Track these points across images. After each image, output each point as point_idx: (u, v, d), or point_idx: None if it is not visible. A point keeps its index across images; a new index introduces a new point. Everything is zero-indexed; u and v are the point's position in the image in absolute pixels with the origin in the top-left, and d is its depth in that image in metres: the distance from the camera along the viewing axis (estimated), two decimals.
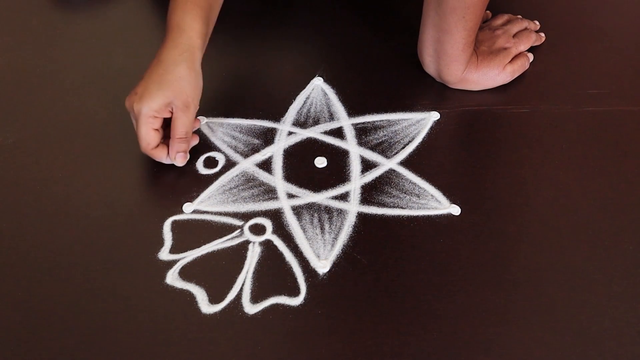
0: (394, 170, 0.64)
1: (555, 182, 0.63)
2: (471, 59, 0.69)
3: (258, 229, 0.60)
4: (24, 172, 0.65)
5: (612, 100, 0.70)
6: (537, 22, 0.78)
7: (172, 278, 0.56)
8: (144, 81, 0.61)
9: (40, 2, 0.85)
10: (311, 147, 0.67)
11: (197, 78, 0.62)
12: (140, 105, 0.59)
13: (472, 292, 0.55)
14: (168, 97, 0.60)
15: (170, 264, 0.57)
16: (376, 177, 0.64)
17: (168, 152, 0.62)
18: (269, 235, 0.59)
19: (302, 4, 0.84)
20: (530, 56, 0.74)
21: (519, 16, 0.77)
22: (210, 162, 0.65)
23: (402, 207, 0.61)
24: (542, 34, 0.77)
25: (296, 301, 0.54)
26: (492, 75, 0.70)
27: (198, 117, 0.68)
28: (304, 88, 0.72)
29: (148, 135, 0.61)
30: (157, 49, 0.62)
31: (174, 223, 0.60)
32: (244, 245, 0.58)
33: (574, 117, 0.69)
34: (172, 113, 0.61)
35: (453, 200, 0.61)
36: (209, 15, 0.65)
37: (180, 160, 0.63)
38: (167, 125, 0.63)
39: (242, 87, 0.73)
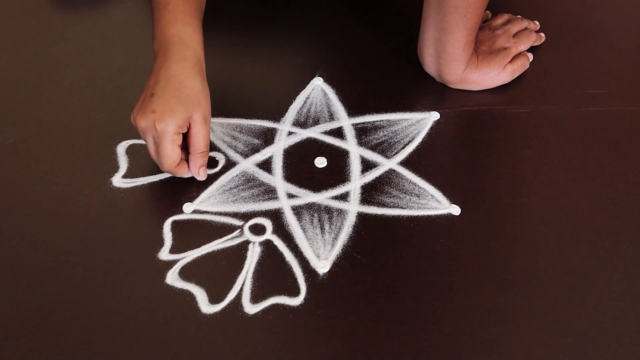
0: (394, 170, 0.64)
1: (555, 182, 0.63)
2: (471, 58, 0.69)
3: (258, 229, 0.60)
4: (24, 172, 0.65)
5: (612, 100, 0.70)
6: (537, 22, 0.78)
7: (172, 278, 0.56)
8: (158, 97, 0.57)
9: (40, 2, 0.85)
10: (311, 147, 0.67)
11: (208, 90, 0.61)
12: (164, 123, 0.57)
13: (472, 292, 0.55)
14: (189, 111, 0.58)
15: (170, 264, 0.57)
16: (376, 177, 0.64)
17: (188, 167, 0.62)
18: (269, 235, 0.59)
19: (301, 4, 0.84)
20: (530, 56, 0.74)
21: (519, 16, 0.77)
22: (210, 162, 0.65)
23: (402, 207, 0.61)
24: (542, 34, 0.77)
25: (296, 301, 0.54)
26: (492, 75, 0.70)
27: None
28: (304, 88, 0.72)
29: (174, 153, 0.59)
30: None
31: (174, 223, 0.60)
32: (244, 245, 0.58)
33: (574, 117, 0.69)
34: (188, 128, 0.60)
35: (453, 200, 0.61)
36: (201, 24, 0.64)
37: (203, 174, 0.62)
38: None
39: (242, 87, 0.73)
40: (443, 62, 0.68)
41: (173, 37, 0.60)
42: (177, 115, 0.57)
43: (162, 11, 0.61)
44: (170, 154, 0.58)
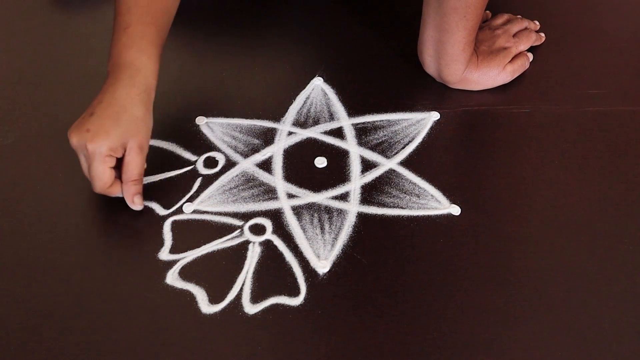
0: (394, 170, 0.64)
1: (555, 182, 0.63)
2: (471, 58, 0.69)
3: (258, 229, 0.60)
4: (24, 172, 0.65)
5: (612, 100, 0.70)
6: (537, 22, 0.78)
7: (172, 278, 0.56)
8: (96, 117, 0.57)
9: (40, 2, 0.85)
10: (311, 147, 0.67)
11: (151, 120, 0.60)
12: (96, 144, 0.56)
13: (472, 292, 0.55)
14: (124, 136, 0.57)
15: (170, 264, 0.57)
16: (376, 177, 0.64)
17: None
18: (269, 235, 0.59)
19: (301, 4, 0.84)
20: (530, 56, 0.74)
21: (519, 16, 0.77)
22: (210, 162, 0.65)
23: (402, 207, 0.61)
24: (542, 34, 0.77)
25: (296, 301, 0.54)
26: (493, 75, 0.70)
27: (198, 117, 0.68)
28: (304, 88, 0.72)
29: (105, 175, 0.57)
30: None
31: (174, 223, 0.60)
32: (244, 245, 0.58)
33: (574, 117, 0.69)
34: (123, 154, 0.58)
35: (453, 200, 0.61)
36: (161, 53, 0.62)
37: (138, 203, 0.60)
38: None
39: (242, 87, 0.73)
40: (443, 63, 0.68)
41: (126, 61, 0.59)
42: (111, 138, 0.56)
43: (121, 33, 0.60)
44: (100, 175, 0.57)
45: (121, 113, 0.57)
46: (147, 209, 0.61)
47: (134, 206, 0.60)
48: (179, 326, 0.53)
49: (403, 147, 0.66)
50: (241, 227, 0.60)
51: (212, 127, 0.68)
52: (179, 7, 0.67)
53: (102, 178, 0.57)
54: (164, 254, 0.58)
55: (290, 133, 0.68)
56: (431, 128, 0.68)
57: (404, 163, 0.65)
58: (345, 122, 0.69)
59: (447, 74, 0.69)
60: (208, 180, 0.63)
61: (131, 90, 0.58)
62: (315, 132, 0.68)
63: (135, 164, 0.58)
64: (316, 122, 0.69)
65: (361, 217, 0.60)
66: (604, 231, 0.59)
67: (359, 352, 0.51)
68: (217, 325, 0.53)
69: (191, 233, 0.59)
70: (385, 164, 0.65)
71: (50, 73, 0.75)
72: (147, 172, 0.64)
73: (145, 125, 0.59)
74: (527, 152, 0.66)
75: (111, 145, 0.56)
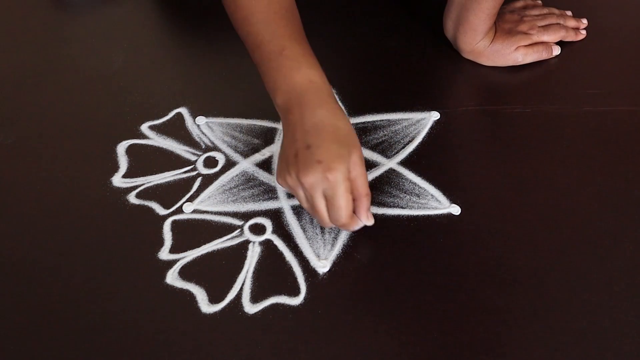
0: (394, 170, 0.64)
1: (555, 182, 0.63)
2: (488, 33, 0.70)
3: (258, 229, 0.60)
4: (24, 172, 0.65)
5: (612, 100, 0.70)
6: (585, 21, 0.77)
7: (172, 278, 0.56)
8: (317, 147, 0.52)
9: (40, 2, 0.85)
10: None
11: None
12: (337, 171, 0.51)
13: (472, 292, 0.55)
14: (350, 153, 0.53)
15: (170, 263, 0.57)
16: (376, 177, 0.64)
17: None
18: (269, 235, 0.59)
19: (302, 5, 0.84)
20: (556, 49, 0.74)
21: (559, 11, 0.77)
22: (210, 162, 0.65)
23: (402, 207, 0.61)
24: (583, 32, 0.76)
25: (296, 301, 0.54)
26: (504, 53, 0.72)
27: (198, 117, 0.68)
28: None
29: (350, 202, 0.53)
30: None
31: (174, 223, 0.60)
32: (244, 245, 0.58)
33: (574, 117, 0.69)
34: None
35: (453, 200, 0.61)
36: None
37: (372, 218, 0.55)
38: None
39: (242, 87, 0.73)
40: (462, 30, 0.70)
41: (303, 84, 0.55)
42: (345, 159, 0.52)
43: (278, 59, 0.56)
44: (347, 204, 0.53)
45: (336, 132, 0.53)
46: (147, 209, 0.61)
47: (369, 222, 0.55)
48: (179, 326, 0.53)
49: (403, 147, 0.66)
50: (241, 227, 0.60)
51: (212, 127, 0.68)
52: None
53: (348, 206, 0.53)
54: (164, 254, 0.58)
55: None
56: (431, 128, 0.68)
57: (404, 163, 0.65)
58: None
59: (463, 41, 0.71)
60: (208, 180, 0.63)
61: (327, 107, 0.54)
62: None
63: (364, 177, 0.54)
64: None
65: None
66: (604, 231, 0.59)
67: (359, 352, 0.51)
68: (217, 325, 0.53)
69: (191, 233, 0.59)
70: (385, 164, 0.65)
71: (51, 73, 0.75)
72: (147, 172, 0.64)
73: (356, 136, 0.55)
74: (527, 152, 0.66)
75: (348, 166, 0.52)
